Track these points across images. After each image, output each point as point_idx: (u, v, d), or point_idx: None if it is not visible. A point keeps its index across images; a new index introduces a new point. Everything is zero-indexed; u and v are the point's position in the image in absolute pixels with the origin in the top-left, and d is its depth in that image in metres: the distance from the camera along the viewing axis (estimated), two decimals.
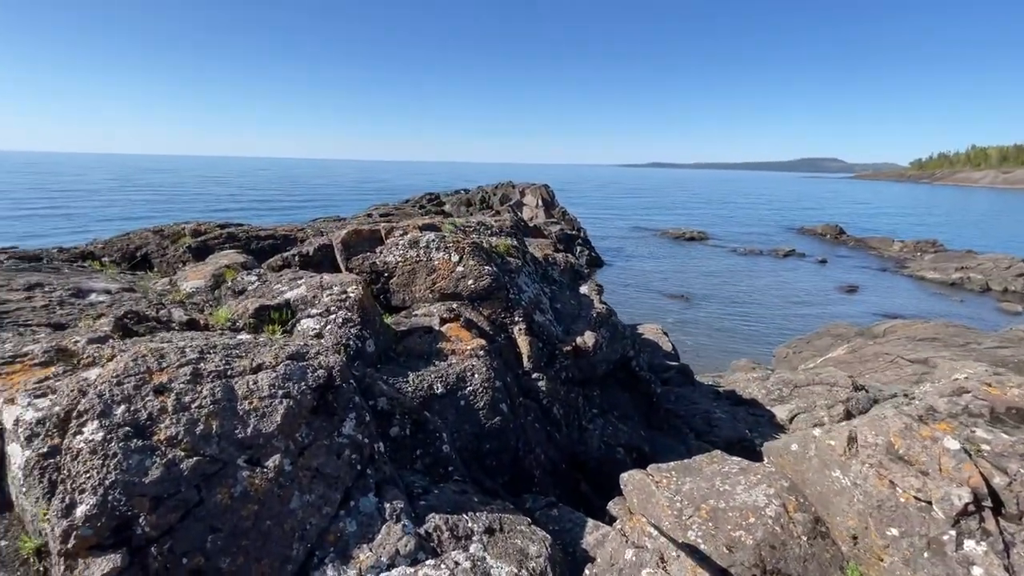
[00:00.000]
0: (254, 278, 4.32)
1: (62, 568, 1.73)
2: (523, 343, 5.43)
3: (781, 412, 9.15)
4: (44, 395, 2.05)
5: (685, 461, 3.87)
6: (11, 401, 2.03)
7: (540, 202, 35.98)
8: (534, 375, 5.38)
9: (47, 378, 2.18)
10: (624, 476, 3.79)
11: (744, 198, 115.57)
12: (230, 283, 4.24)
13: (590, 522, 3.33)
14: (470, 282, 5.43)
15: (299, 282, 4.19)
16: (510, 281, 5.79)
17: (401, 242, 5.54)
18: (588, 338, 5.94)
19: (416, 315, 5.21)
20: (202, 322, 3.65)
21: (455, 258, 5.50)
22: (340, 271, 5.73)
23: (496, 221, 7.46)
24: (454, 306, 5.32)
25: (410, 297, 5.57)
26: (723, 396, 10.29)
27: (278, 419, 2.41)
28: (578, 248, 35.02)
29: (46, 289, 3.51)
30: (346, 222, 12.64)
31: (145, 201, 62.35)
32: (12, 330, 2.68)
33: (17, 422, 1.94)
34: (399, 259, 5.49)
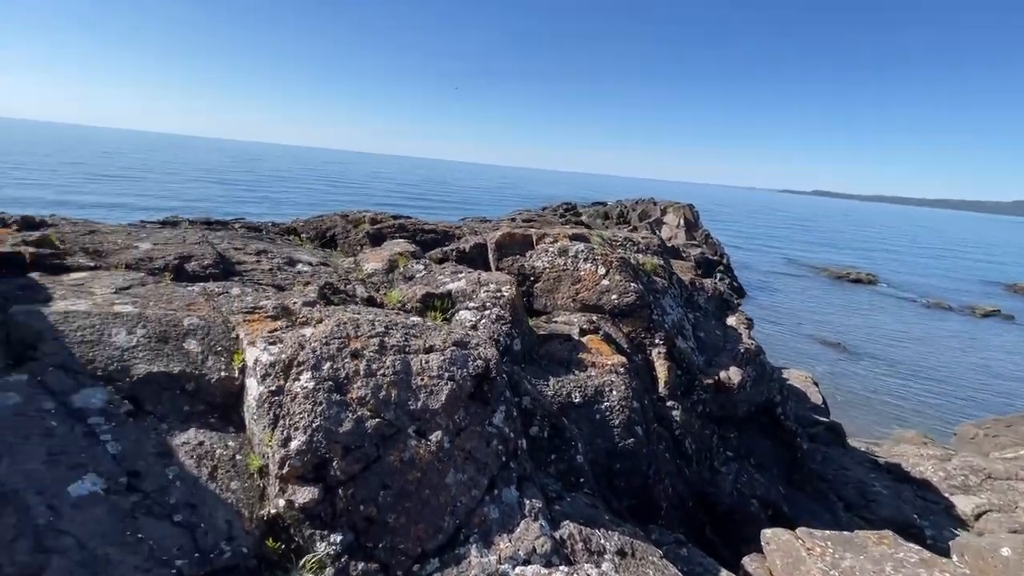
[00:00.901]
0: (421, 267, 4.77)
1: (276, 488, 2.09)
2: (661, 367, 5.23)
3: (964, 504, 7.59)
4: (274, 343, 2.50)
5: (845, 534, 3.38)
6: (252, 344, 2.51)
7: (682, 222, 34.32)
8: (669, 403, 5.14)
9: (276, 329, 2.65)
10: (767, 533, 3.44)
11: (935, 241, 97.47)
12: (402, 269, 4.74)
13: (724, 572, 3.08)
14: (614, 296, 5.38)
15: (460, 276, 4.53)
16: (654, 301, 5.61)
17: (550, 249, 5.69)
18: (733, 374, 5.51)
19: (556, 321, 5.30)
20: (379, 300, 4.13)
21: (601, 271, 5.50)
22: (491, 269, 6.07)
23: (643, 238, 7.29)
24: (594, 318, 5.32)
25: (552, 303, 5.69)
26: (883, 468, 8.83)
27: (443, 398, 2.63)
28: (718, 275, 32.64)
29: (269, 256, 4.26)
30: (494, 224, 13.36)
31: (322, 191, 72.53)
32: (252, 286, 3.31)
33: (256, 362, 2.40)
34: (547, 265, 5.65)
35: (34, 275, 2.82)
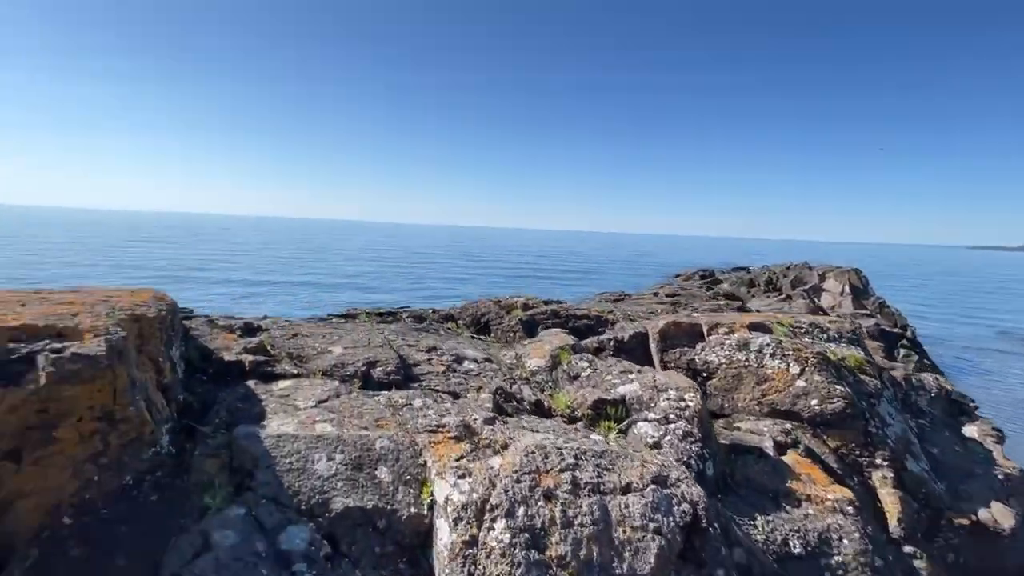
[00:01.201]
0: (585, 364, 4.44)
1: None
2: (890, 499, 4.08)
3: None
4: (463, 476, 2.29)
5: None
6: (441, 475, 2.33)
7: (847, 288, 29.96)
8: (906, 548, 3.94)
9: (462, 456, 2.45)
10: None
11: None
12: (565, 366, 4.46)
13: None
14: (814, 401, 4.46)
15: (631, 376, 4.10)
16: (868, 408, 4.53)
17: (727, 342, 5.00)
18: (999, 513, 4.09)
19: (740, 428, 4.52)
20: (546, 404, 3.85)
21: (795, 369, 4.64)
22: (653, 362, 5.54)
23: (833, 323, 6.16)
24: (789, 427, 4.43)
25: (731, 405, 4.92)
26: None
27: (652, 559, 2.15)
28: (902, 351, 27.28)
29: (439, 353, 4.28)
30: (636, 296, 12.78)
31: (462, 266, 78.25)
32: (431, 395, 3.25)
33: (447, 501, 2.19)
34: (723, 360, 4.96)
35: (251, 383, 3.07)
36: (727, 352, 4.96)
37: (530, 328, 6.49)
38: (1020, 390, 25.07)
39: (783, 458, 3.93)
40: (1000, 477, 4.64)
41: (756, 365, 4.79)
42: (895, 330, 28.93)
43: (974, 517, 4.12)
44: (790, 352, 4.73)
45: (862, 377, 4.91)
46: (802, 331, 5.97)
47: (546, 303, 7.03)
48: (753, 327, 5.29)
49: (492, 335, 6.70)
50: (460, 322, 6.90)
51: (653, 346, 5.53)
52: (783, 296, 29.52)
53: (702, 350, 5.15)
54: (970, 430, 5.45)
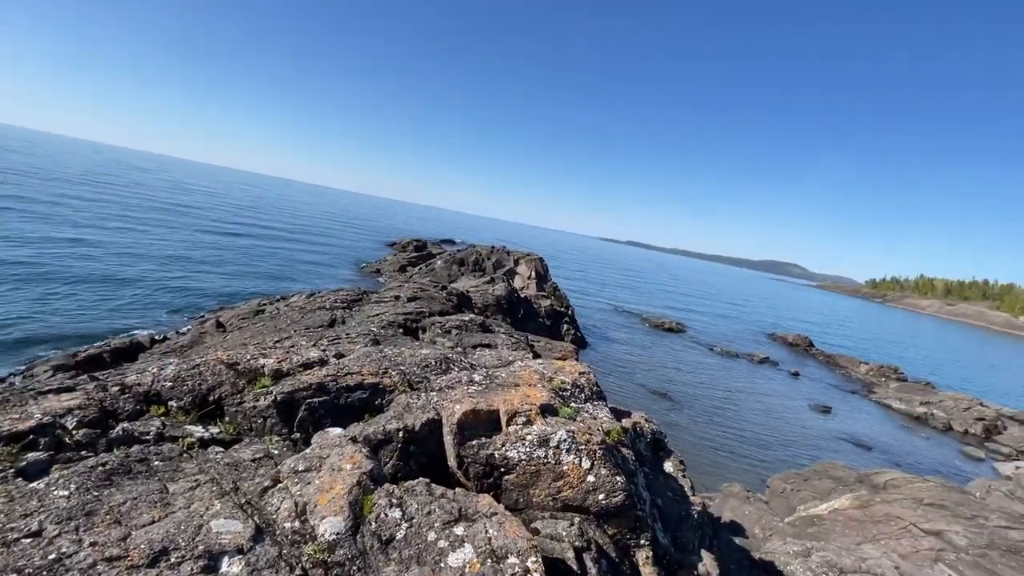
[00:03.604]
0: (398, 515, 3.50)
1: None
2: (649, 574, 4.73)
3: None
4: None
5: None
6: None
7: (533, 273, 35.94)
8: None
9: None
10: None
11: (717, 291, 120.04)
12: (373, 524, 3.40)
13: None
14: (601, 496, 4.75)
15: (459, 534, 3.41)
16: (634, 490, 5.14)
17: (528, 437, 4.83)
18: (710, 564, 5.28)
19: (541, 533, 4.45)
20: None
21: (586, 463, 4.83)
22: (447, 457, 4.94)
23: (583, 376, 6.82)
24: (580, 524, 4.61)
25: (526, 500, 4.82)
26: (759, 567, 9.71)
27: None
28: (565, 326, 34.80)
29: (168, 559, 2.61)
30: (374, 299, 11.73)
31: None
32: None
33: None
34: (523, 457, 4.78)
35: None
36: (527, 449, 4.80)
37: (288, 413, 4.91)
38: (624, 348, 35.32)
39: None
40: (695, 515, 6.04)
41: (554, 462, 4.79)
42: (562, 309, 36.27)
43: (696, 572, 5.19)
44: (583, 446, 4.90)
45: (624, 453, 5.57)
46: (567, 391, 6.40)
47: (305, 366, 5.47)
48: (543, 409, 5.30)
49: (229, 421, 4.80)
50: (173, 404, 4.70)
51: (448, 439, 4.94)
52: (488, 278, 33.18)
53: (502, 445, 4.85)
54: (668, 466, 6.99)
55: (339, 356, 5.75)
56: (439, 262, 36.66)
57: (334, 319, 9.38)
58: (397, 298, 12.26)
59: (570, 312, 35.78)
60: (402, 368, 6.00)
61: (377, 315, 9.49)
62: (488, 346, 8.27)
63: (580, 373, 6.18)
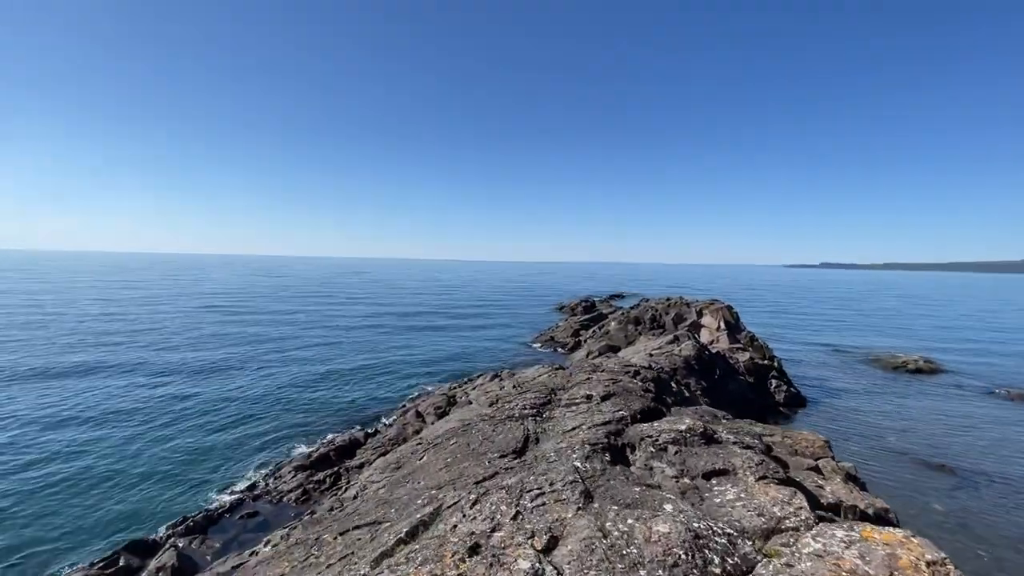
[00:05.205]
0: None
1: None
2: None
3: None
4: None
5: None
6: None
7: (722, 324, 31.85)
8: None
9: None
10: None
11: (969, 310, 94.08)
12: None
13: None
14: None
15: None
16: None
17: None
18: None
19: None
20: None
21: None
22: None
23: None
24: None
25: None
26: None
27: None
28: (773, 382, 29.54)
29: None
30: (564, 403, 10.63)
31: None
32: None
33: None
34: None
35: None
36: None
37: None
38: (859, 402, 28.24)
39: None
40: None
41: None
42: (765, 362, 31.14)
43: None
44: None
45: None
46: None
47: None
48: None
49: None
50: None
51: None
52: (671, 336, 30.27)
53: None
54: None
55: (551, 542, 4.51)
56: (613, 323, 34.97)
57: (527, 436, 8.46)
58: (589, 398, 11.00)
59: (776, 364, 30.44)
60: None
61: (573, 430, 8.30)
62: (724, 473, 6.35)
63: (928, 564, 3.92)
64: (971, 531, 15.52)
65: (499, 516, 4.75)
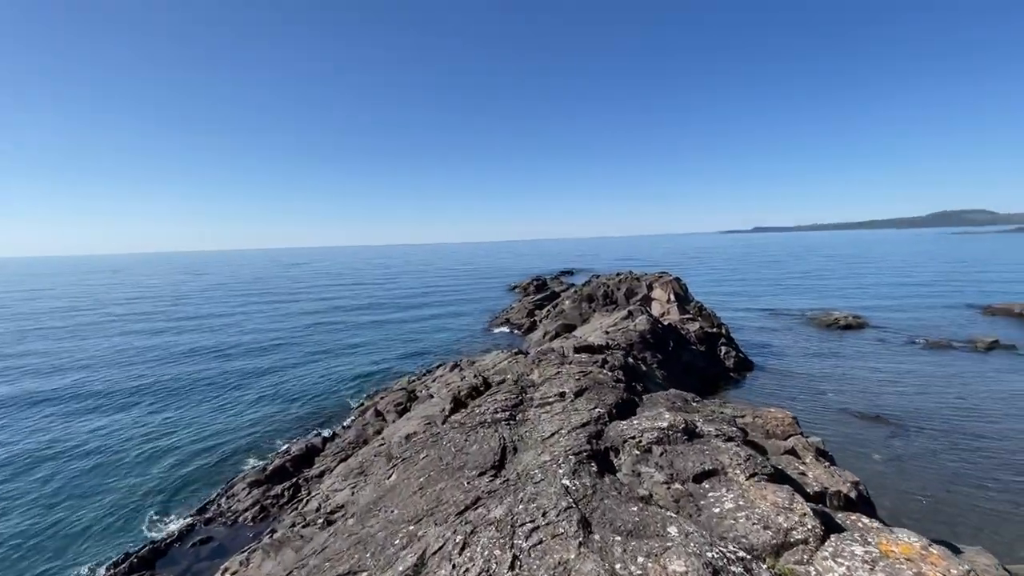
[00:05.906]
0: None
1: None
2: None
3: None
4: None
5: None
6: None
7: (672, 296, 32.61)
8: None
9: None
10: None
11: (885, 266, 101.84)
12: None
13: None
14: None
15: None
16: None
17: None
18: None
19: None
20: None
21: None
22: None
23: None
24: None
25: None
26: None
27: None
28: (723, 349, 30.72)
29: None
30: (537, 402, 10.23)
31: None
32: None
33: None
34: None
35: None
36: None
37: None
38: (799, 362, 29.92)
39: None
40: None
41: None
42: (714, 330, 32.25)
43: None
44: None
45: None
46: None
47: None
48: None
49: None
50: None
51: None
52: (624, 312, 30.68)
53: None
54: None
55: None
56: (567, 302, 35.05)
57: (503, 446, 7.98)
58: (562, 395, 10.62)
59: (724, 331, 31.65)
60: None
61: (552, 436, 7.90)
62: (714, 473, 6.16)
63: None
64: (909, 477, 16.70)
65: (494, 564, 4.26)
